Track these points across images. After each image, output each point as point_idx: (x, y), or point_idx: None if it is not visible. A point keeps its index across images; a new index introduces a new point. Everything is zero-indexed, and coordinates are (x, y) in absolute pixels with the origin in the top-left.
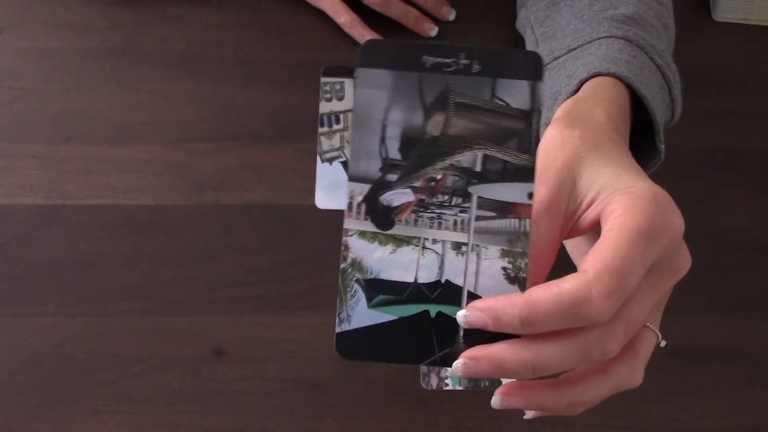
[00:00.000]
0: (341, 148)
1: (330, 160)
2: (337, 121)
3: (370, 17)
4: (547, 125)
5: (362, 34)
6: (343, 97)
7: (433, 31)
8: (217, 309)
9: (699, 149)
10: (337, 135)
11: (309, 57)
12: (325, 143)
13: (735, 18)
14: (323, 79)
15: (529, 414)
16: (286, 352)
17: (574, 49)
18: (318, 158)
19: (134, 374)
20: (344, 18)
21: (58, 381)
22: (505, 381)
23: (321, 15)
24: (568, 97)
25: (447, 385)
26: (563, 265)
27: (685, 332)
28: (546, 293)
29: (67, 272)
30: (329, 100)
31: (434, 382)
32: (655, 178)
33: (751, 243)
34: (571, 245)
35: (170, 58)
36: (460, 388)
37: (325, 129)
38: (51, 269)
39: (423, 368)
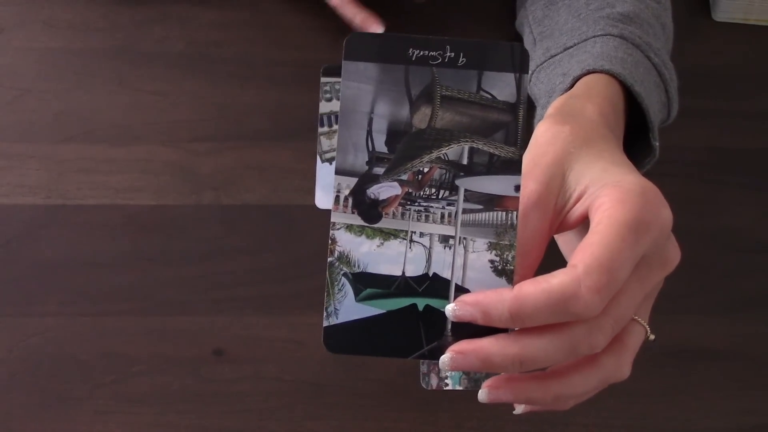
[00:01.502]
0: None
1: (330, 160)
2: (337, 121)
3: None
4: (540, 121)
5: (353, 13)
6: None
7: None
8: (217, 309)
9: (699, 149)
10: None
11: (309, 57)
12: (325, 143)
13: (735, 18)
14: (323, 79)
15: (518, 409)
16: (286, 352)
17: (570, 47)
18: (318, 158)
19: (134, 374)
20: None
21: (58, 381)
22: None
23: (321, 15)
24: (562, 94)
25: (447, 385)
26: (553, 260)
27: (685, 332)
28: (535, 288)
29: (67, 272)
30: (329, 100)
31: (434, 382)
32: (655, 177)
33: (751, 243)
34: (562, 240)
35: (170, 58)
36: (460, 388)
37: (325, 129)
38: (51, 269)
39: (423, 368)
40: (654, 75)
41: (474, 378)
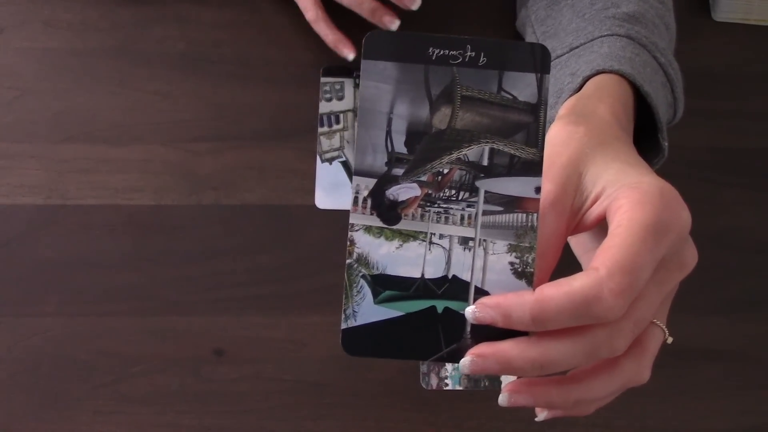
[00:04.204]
0: (341, 148)
1: (330, 160)
2: (337, 121)
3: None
4: (551, 122)
5: (325, 33)
6: (343, 97)
7: (394, 24)
8: (217, 309)
9: (699, 149)
10: (337, 135)
11: (309, 57)
12: (325, 143)
13: (735, 18)
14: (323, 79)
15: (541, 415)
16: (286, 352)
17: (577, 47)
18: (318, 158)
19: (134, 374)
20: (310, 14)
21: (58, 381)
22: (504, 380)
23: None
24: (571, 95)
25: (447, 385)
26: (568, 262)
27: (685, 332)
28: (557, 291)
29: (67, 272)
30: (329, 100)
31: (434, 382)
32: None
33: (751, 243)
34: (575, 241)
35: (170, 58)
36: (460, 388)
37: (325, 129)
38: (51, 269)
39: (423, 368)
40: (661, 75)
41: (474, 378)
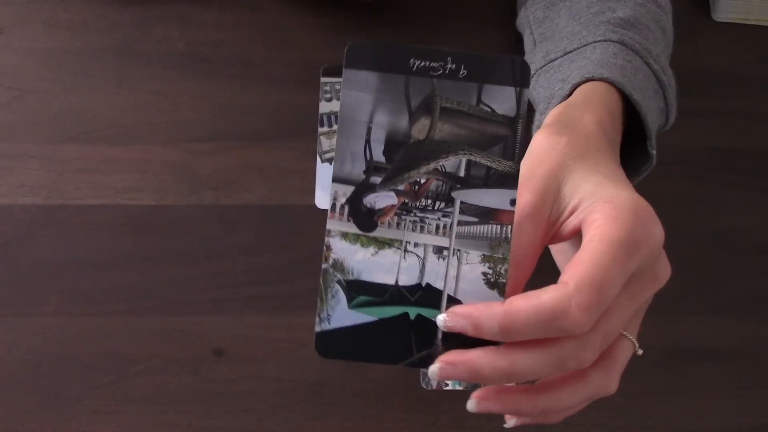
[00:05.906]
0: None
1: (330, 160)
2: (337, 121)
3: (367, 16)
4: (539, 128)
5: None
6: None
7: None
8: (217, 309)
9: (699, 149)
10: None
11: (309, 57)
12: (325, 143)
13: (735, 18)
14: (323, 79)
15: (510, 422)
16: (286, 352)
17: (570, 52)
18: (318, 158)
19: (134, 374)
20: None
21: (58, 381)
22: None
23: (321, 15)
24: (561, 101)
25: (447, 385)
26: (546, 271)
27: (685, 332)
28: (526, 304)
29: (67, 272)
30: (329, 100)
31: (434, 382)
32: (655, 177)
33: (751, 243)
34: (556, 250)
35: (170, 58)
36: (460, 388)
37: (325, 129)
38: (51, 269)
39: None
40: (653, 81)
41: None
